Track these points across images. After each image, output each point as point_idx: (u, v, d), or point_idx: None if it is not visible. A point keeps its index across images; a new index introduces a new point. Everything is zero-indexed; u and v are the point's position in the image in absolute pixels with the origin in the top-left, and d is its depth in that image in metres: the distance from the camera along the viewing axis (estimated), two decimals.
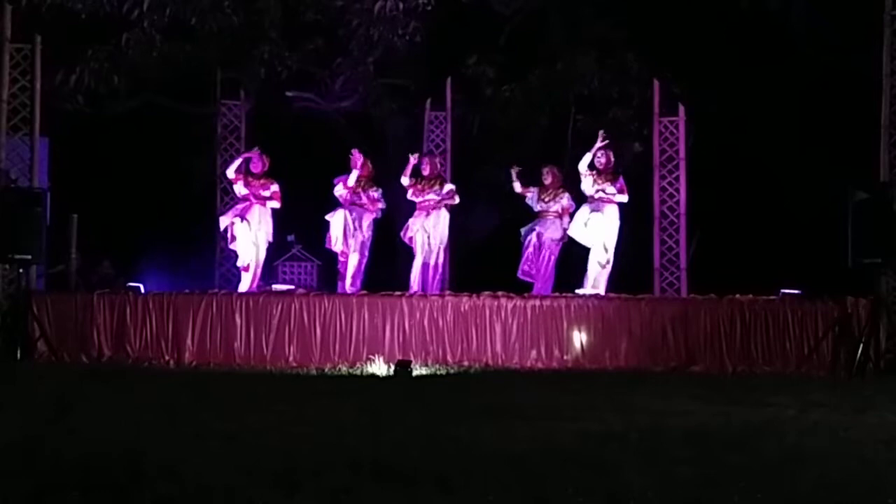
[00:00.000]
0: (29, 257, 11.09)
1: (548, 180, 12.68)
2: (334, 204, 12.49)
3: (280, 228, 12.92)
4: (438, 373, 10.58)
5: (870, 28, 11.74)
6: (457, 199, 12.53)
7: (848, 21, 13.95)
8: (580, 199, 12.50)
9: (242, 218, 12.34)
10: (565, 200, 12.61)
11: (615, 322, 11.33)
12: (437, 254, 12.42)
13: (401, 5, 14.18)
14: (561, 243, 12.54)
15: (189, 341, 11.31)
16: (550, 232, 12.49)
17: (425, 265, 12.39)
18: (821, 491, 4.79)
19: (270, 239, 12.65)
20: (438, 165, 12.66)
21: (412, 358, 10.92)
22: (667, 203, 13.32)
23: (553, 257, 12.54)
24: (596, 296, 11.78)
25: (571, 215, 12.46)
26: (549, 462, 5.36)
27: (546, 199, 12.59)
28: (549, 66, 15.63)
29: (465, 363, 11.11)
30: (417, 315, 11.37)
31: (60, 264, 13.94)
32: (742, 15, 15.19)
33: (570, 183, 12.72)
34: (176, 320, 11.35)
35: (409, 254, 12.79)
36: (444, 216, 12.47)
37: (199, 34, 14.39)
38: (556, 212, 12.56)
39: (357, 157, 12.44)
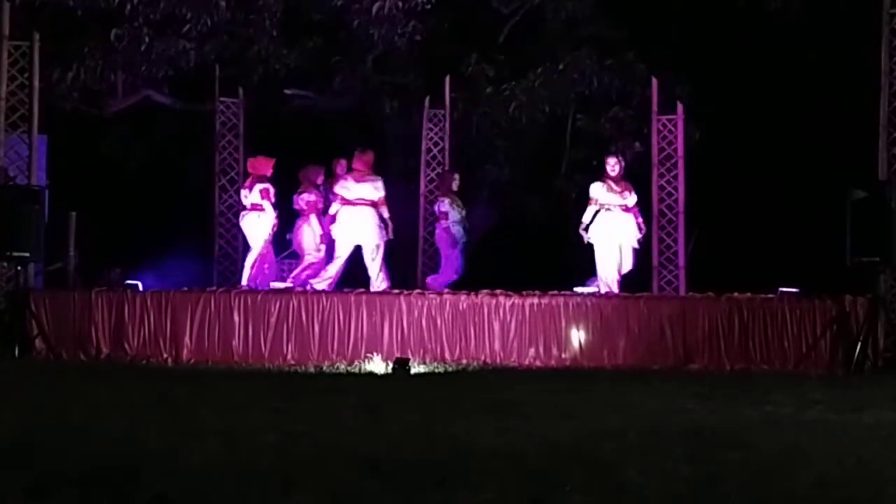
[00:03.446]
0: (27, 255, 11.08)
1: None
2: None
3: (277, 225, 12.90)
4: (436, 371, 10.58)
5: (869, 27, 11.74)
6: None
7: (847, 20, 13.94)
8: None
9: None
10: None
11: (613, 320, 11.33)
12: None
13: (400, 4, 14.15)
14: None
15: (187, 339, 11.31)
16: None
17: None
18: (818, 489, 4.79)
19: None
20: (370, 160, 12.52)
21: (410, 356, 10.93)
22: (665, 201, 13.32)
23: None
24: (594, 294, 11.78)
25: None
26: (547, 460, 5.36)
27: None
28: (549, 65, 15.61)
29: (464, 361, 11.11)
30: (416, 313, 11.36)
31: (58, 262, 13.94)
32: (741, 14, 15.19)
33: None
34: (174, 318, 11.35)
35: (404, 253, 12.86)
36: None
37: (194, 30, 14.34)
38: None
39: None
